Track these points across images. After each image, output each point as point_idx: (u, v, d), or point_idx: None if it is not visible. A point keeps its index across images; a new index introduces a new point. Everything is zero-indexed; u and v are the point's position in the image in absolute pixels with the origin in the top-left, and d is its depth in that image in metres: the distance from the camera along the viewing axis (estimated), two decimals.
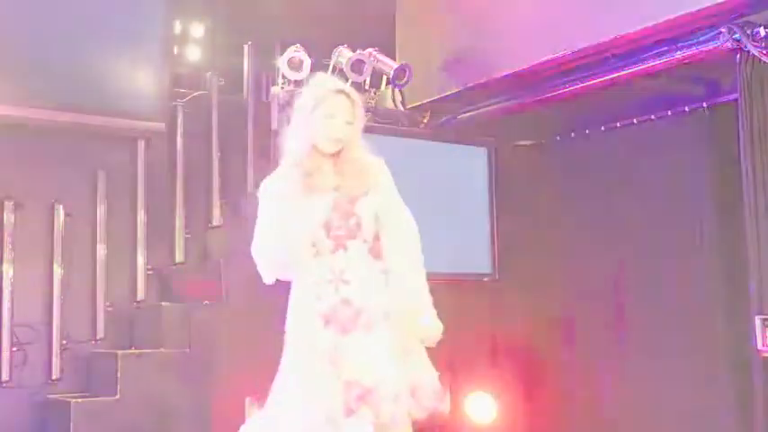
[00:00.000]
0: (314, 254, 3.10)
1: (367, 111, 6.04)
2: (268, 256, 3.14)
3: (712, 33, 4.68)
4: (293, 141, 3.20)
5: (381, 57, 5.93)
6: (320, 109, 3.15)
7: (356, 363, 3.03)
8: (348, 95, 3.21)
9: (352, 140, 3.23)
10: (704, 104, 5.41)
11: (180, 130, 6.20)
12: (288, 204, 3.11)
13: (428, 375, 3.19)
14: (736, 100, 4.81)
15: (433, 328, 3.23)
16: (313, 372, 3.05)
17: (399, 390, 3.05)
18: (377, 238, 3.18)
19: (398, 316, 3.13)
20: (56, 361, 5.46)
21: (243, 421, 5.07)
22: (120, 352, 5.26)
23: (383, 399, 3.00)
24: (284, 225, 3.09)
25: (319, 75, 3.51)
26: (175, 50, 6.20)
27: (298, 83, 5.65)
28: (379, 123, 6.10)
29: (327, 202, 3.12)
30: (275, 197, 3.15)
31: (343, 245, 3.11)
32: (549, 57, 5.24)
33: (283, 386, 3.13)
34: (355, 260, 3.12)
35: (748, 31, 4.57)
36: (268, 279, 3.20)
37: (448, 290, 6.28)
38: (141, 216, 5.92)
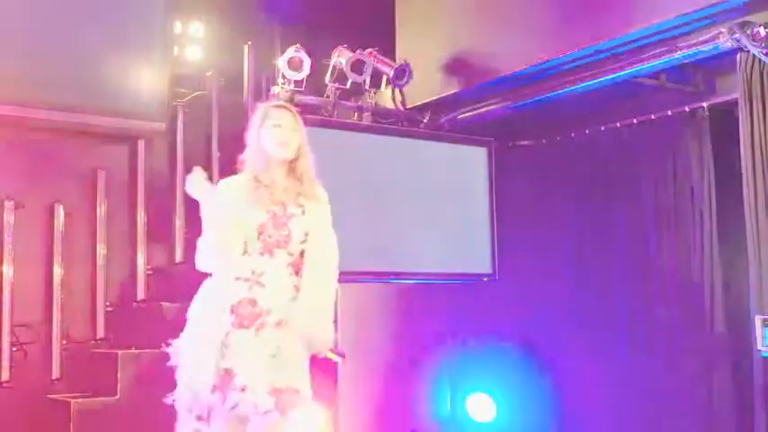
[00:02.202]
0: (242, 252, 3.45)
1: (367, 111, 6.09)
2: (206, 243, 3.49)
3: (712, 33, 4.69)
4: (250, 156, 3.59)
5: (381, 57, 5.93)
6: (267, 121, 3.56)
7: (236, 355, 3.38)
8: (287, 108, 3.63)
9: (302, 153, 3.58)
10: (704, 104, 5.41)
11: (180, 130, 6.21)
12: (234, 204, 3.47)
13: (293, 383, 3.44)
14: (736, 100, 4.81)
15: (321, 343, 3.57)
16: (200, 352, 3.44)
17: (257, 387, 3.35)
18: (301, 255, 3.53)
19: (297, 328, 3.46)
20: (56, 361, 5.47)
21: None
22: (120, 352, 5.26)
23: (234, 387, 3.35)
24: (217, 222, 3.47)
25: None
26: (175, 50, 6.20)
27: (298, 83, 5.66)
28: (379, 123, 6.11)
29: (269, 210, 3.48)
30: (225, 195, 3.52)
31: (270, 251, 3.47)
32: (549, 57, 5.24)
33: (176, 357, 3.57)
34: (276, 268, 3.47)
35: (748, 31, 4.57)
36: (200, 266, 3.54)
37: (448, 290, 6.33)
38: (141, 216, 5.93)
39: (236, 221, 3.45)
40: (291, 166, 3.57)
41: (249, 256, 3.46)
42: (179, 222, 6.11)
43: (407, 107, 6.25)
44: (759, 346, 4.56)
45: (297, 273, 3.52)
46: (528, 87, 5.67)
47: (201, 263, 3.54)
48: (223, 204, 3.50)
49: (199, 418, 3.47)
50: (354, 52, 5.80)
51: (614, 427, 5.78)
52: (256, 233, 3.45)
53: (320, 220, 3.60)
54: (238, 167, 3.63)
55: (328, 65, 5.82)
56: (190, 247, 6.07)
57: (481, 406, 6.18)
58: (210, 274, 3.56)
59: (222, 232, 3.45)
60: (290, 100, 5.40)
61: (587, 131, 6.16)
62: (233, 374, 3.37)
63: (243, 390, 3.35)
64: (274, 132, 3.53)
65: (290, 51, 5.66)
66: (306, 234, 3.52)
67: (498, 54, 5.61)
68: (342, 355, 4.82)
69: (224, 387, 3.37)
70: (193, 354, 3.48)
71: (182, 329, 5.42)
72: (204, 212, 3.55)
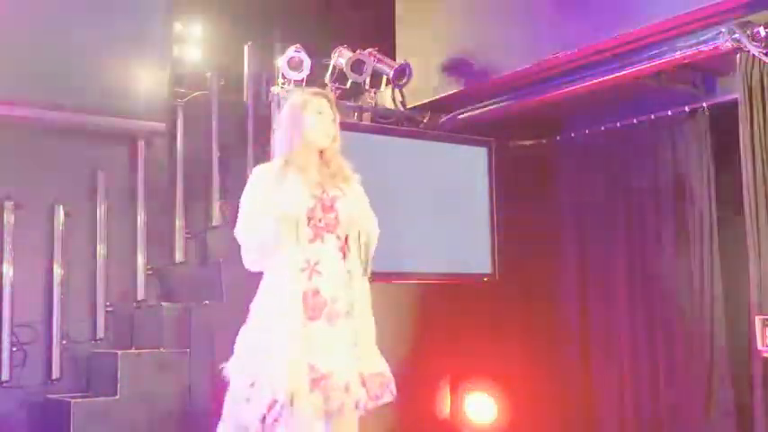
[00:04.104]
0: (294, 240, 3.33)
1: (367, 111, 6.09)
2: (256, 236, 3.39)
3: (712, 33, 4.68)
4: (285, 139, 3.53)
5: (381, 57, 5.93)
6: (309, 107, 3.49)
7: (317, 349, 3.29)
8: (326, 96, 3.59)
9: (336, 141, 3.55)
10: (704, 104, 5.41)
11: (180, 130, 6.21)
12: (277, 190, 3.38)
13: (379, 367, 3.44)
14: (736, 100, 4.81)
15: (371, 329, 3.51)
16: (283, 349, 3.27)
17: (350, 380, 3.31)
18: (346, 239, 3.45)
19: (357, 313, 3.41)
20: (56, 361, 5.46)
21: None
22: (120, 352, 5.26)
23: (334, 387, 3.27)
24: (273, 207, 3.34)
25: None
26: (175, 50, 6.19)
27: (298, 83, 5.66)
28: (379, 123, 6.11)
29: (314, 194, 3.40)
30: (265, 182, 3.44)
31: (321, 236, 3.39)
32: (549, 57, 5.24)
33: (250, 361, 3.34)
34: (329, 253, 3.39)
35: (748, 31, 4.56)
36: (250, 263, 3.45)
37: (448, 290, 6.33)
38: (141, 216, 5.92)
39: (285, 210, 3.33)
40: (322, 152, 3.51)
41: (300, 245, 3.35)
42: (179, 222, 6.10)
43: (407, 107, 6.25)
44: (759, 346, 4.57)
45: (344, 257, 3.44)
46: (528, 87, 5.66)
47: (250, 260, 3.44)
48: (265, 194, 3.40)
49: (274, 420, 3.24)
50: (354, 52, 5.80)
51: (614, 426, 5.78)
52: (306, 220, 3.36)
53: (361, 200, 3.55)
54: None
55: (328, 65, 5.82)
56: (190, 247, 6.14)
57: (481, 406, 6.18)
58: (263, 271, 3.44)
59: (274, 223, 3.33)
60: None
61: (587, 131, 6.16)
62: (326, 372, 3.26)
63: (347, 389, 3.29)
64: (318, 120, 3.48)
65: (290, 51, 5.66)
66: (350, 216, 3.44)
67: (498, 54, 5.61)
68: None
69: (323, 386, 3.26)
70: (273, 351, 3.29)
71: (181, 330, 5.45)
72: (247, 201, 3.45)
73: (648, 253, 5.70)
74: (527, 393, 6.01)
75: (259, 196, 3.42)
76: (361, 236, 3.46)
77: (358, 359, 3.36)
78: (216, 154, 6.26)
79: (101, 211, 5.76)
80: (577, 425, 5.94)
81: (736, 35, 4.58)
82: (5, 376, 5.29)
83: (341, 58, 5.79)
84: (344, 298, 3.38)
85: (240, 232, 3.46)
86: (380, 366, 3.45)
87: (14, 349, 5.34)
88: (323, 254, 3.37)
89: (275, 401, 3.22)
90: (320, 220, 3.38)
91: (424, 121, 6.32)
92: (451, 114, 6.25)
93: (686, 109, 5.49)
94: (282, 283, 3.35)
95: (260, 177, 3.49)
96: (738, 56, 4.70)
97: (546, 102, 5.66)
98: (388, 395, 3.45)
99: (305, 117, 3.48)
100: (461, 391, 6.26)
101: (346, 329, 3.36)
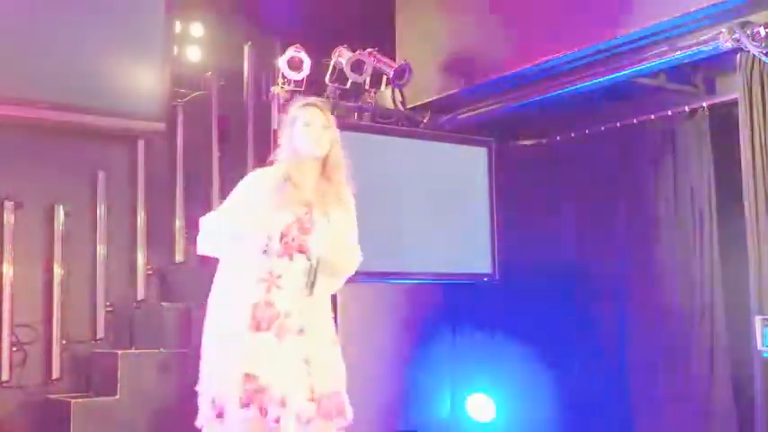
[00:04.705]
0: (262, 250, 3.40)
1: (367, 111, 6.09)
2: (223, 229, 3.47)
3: (712, 33, 4.68)
4: (283, 155, 3.58)
5: (381, 57, 5.93)
6: (299, 120, 3.54)
7: (261, 360, 3.32)
8: (316, 105, 3.59)
9: (334, 151, 3.55)
10: (704, 104, 5.41)
11: (180, 130, 6.20)
12: (263, 198, 3.44)
13: (332, 388, 3.41)
14: (736, 100, 4.81)
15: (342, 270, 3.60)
16: (222, 353, 3.38)
17: (289, 394, 3.29)
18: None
19: (313, 334, 3.42)
20: (56, 361, 5.46)
21: None
22: (120, 352, 5.26)
23: (270, 400, 3.28)
24: (252, 213, 3.42)
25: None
26: (175, 50, 6.19)
27: (298, 83, 5.66)
28: (379, 123, 6.10)
29: (294, 212, 3.44)
30: (257, 187, 3.50)
31: (291, 255, 3.42)
32: (549, 57, 5.24)
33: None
34: (295, 272, 3.41)
35: (748, 31, 4.57)
36: (203, 249, 3.54)
37: (448, 290, 6.32)
38: (141, 216, 5.92)
39: (262, 220, 3.40)
40: (322, 164, 3.54)
41: (268, 257, 3.40)
42: (179, 222, 6.10)
43: (407, 107, 6.25)
44: (759, 346, 4.56)
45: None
46: (528, 87, 5.66)
47: (206, 248, 3.52)
48: (250, 198, 3.48)
49: (218, 415, 3.37)
50: (354, 52, 5.80)
51: (614, 426, 5.78)
52: (280, 235, 3.41)
53: (344, 231, 3.57)
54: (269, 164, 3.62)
55: (328, 65, 5.82)
56: (190, 247, 6.14)
57: (481, 406, 6.19)
58: (218, 266, 3.54)
59: (246, 229, 3.41)
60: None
61: (587, 131, 6.16)
62: (264, 384, 3.29)
63: (283, 403, 3.28)
64: (305, 132, 3.51)
65: (290, 51, 5.66)
66: (320, 246, 3.45)
67: (498, 54, 5.61)
68: None
69: (259, 399, 3.28)
70: (216, 354, 3.41)
71: (181, 330, 5.45)
72: (233, 198, 3.52)
73: (648, 253, 5.70)
74: (527, 393, 6.01)
75: (243, 198, 3.50)
76: (318, 262, 3.43)
77: (309, 375, 3.35)
78: (216, 154, 6.25)
79: (101, 211, 5.76)
80: (577, 425, 5.94)
81: (736, 35, 4.58)
82: (5, 376, 5.29)
83: (341, 58, 5.79)
84: (299, 316, 3.39)
85: (208, 219, 3.54)
86: (335, 387, 3.42)
87: (14, 349, 5.34)
88: (289, 271, 3.41)
89: (214, 405, 3.36)
90: (293, 240, 3.42)
91: (424, 121, 6.32)
92: (451, 114, 6.25)
93: (686, 109, 5.50)
94: (234, 288, 3.44)
95: (255, 182, 3.54)
96: (738, 56, 4.70)
97: (546, 102, 5.66)
98: (342, 419, 3.42)
99: (294, 131, 3.53)
100: (461, 392, 6.26)
101: (297, 346, 3.36)
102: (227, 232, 3.47)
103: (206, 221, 3.54)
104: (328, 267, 3.46)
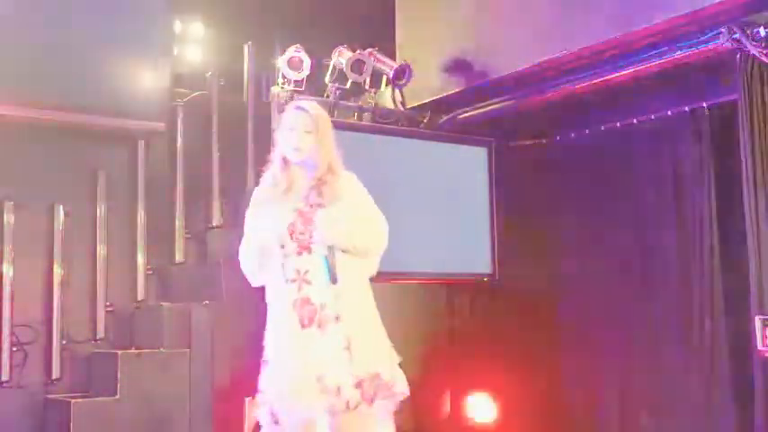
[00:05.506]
0: (283, 255, 3.47)
1: (367, 111, 6.09)
2: (249, 259, 3.58)
3: (712, 33, 4.69)
4: (275, 157, 3.62)
5: (381, 57, 5.93)
6: (283, 125, 3.58)
7: (311, 354, 3.41)
8: (303, 109, 3.58)
9: (323, 153, 3.53)
10: (704, 104, 5.41)
11: (180, 130, 6.20)
12: (262, 210, 3.56)
13: (374, 369, 3.47)
14: (736, 100, 4.81)
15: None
16: (281, 362, 3.48)
17: (341, 383, 3.38)
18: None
19: (346, 318, 3.47)
20: (56, 361, 5.46)
21: (243, 421, 5.07)
22: (120, 352, 5.26)
23: (326, 390, 3.37)
24: (258, 230, 3.54)
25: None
26: (175, 50, 6.20)
27: (298, 83, 5.66)
28: (379, 123, 6.11)
29: (294, 207, 3.50)
30: (255, 205, 3.61)
31: (308, 248, 3.47)
32: (549, 57, 5.24)
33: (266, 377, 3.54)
34: (318, 264, 3.46)
35: (748, 31, 4.57)
36: (253, 282, 3.62)
37: (448, 290, 6.33)
38: (141, 216, 5.92)
39: (270, 227, 3.48)
40: (311, 166, 3.53)
41: (289, 258, 3.46)
42: (179, 222, 6.10)
43: (407, 107, 6.25)
44: (759, 346, 4.57)
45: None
46: (528, 87, 5.67)
47: (251, 278, 3.62)
48: (255, 214, 3.58)
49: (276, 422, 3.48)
50: (354, 52, 5.80)
51: (614, 426, 5.79)
52: (289, 233, 3.46)
53: (352, 210, 3.53)
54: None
55: (328, 65, 5.82)
56: (190, 247, 6.14)
57: (481, 406, 6.19)
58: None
59: (260, 241, 3.50)
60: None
61: (587, 131, 6.16)
62: (319, 375, 3.38)
63: (338, 392, 3.37)
64: (287, 137, 3.53)
65: (290, 51, 5.66)
66: (325, 228, 3.46)
67: (498, 54, 5.61)
68: None
69: (316, 389, 3.38)
70: (282, 363, 3.49)
71: (181, 330, 5.45)
72: (246, 223, 3.62)
73: (648, 253, 5.70)
74: (527, 393, 6.01)
75: (250, 222, 3.59)
76: (329, 250, 3.46)
77: (350, 362, 3.42)
78: (216, 154, 6.25)
79: (101, 211, 5.76)
80: (577, 425, 5.94)
81: (736, 35, 4.58)
82: (5, 376, 5.29)
83: (341, 58, 5.80)
84: (333, 305, 3.45)
85: (240, 257, 3.63)
86: (377, 368, 3.47)
87: (14, 349, 5.34)
88: (312, 264, 3.46)
89: (272, 410, 3.46)
90: (302, 233, 3.46)
91: (424, 121, 6.32)
92: (451, 114, 6.25)
93: (686, 109, 5.50)
94: (274, 296, 3.53)
95: (253, 202, 3.62)
96: (738, 56, 4.70)
97: (546, 102, 5.66)
98: (388, 399, 3.50)
99: (279, 136, 3.58)
100: (461, 392, 6.26)
101: (337, 334, 3.43)
102: (252, 254, 3.55)
103: (240, 257, 3.62)
104: (350, 248, 3.48)
